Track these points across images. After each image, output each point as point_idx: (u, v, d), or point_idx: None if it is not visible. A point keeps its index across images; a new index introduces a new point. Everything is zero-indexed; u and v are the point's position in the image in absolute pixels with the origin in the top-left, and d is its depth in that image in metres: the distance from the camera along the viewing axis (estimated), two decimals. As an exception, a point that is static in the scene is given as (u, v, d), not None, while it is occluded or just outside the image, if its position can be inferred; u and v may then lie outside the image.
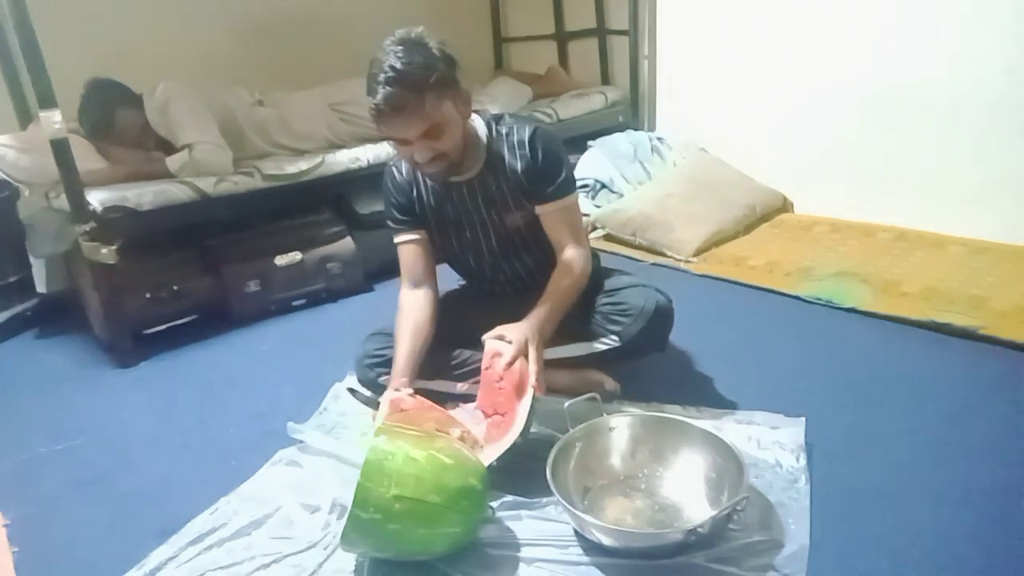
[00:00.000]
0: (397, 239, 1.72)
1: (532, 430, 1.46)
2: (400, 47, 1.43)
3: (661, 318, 1.62)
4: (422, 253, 1.70)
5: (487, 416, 1.48)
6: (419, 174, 1.66)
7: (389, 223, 1.72)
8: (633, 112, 3.41)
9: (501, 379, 1.45)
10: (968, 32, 2.35)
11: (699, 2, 3.08)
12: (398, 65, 1.40)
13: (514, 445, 1.41)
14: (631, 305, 1.61)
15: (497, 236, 1.70)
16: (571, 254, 1.64)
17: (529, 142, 1.60)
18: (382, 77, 1.40)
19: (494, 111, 1.72)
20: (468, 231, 1.70)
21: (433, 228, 1.71)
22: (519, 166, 1.61)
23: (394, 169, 1.70)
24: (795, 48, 2.81)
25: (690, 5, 3.12)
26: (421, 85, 1.41)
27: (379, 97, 1.41)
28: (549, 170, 1.62)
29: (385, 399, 1.48)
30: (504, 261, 1.75)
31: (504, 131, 1.63)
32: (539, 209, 1.64)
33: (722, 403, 1.66)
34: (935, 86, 2.46)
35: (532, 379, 1.44)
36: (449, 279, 1.95)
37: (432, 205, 1.68)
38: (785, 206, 3.00)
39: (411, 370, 1.58)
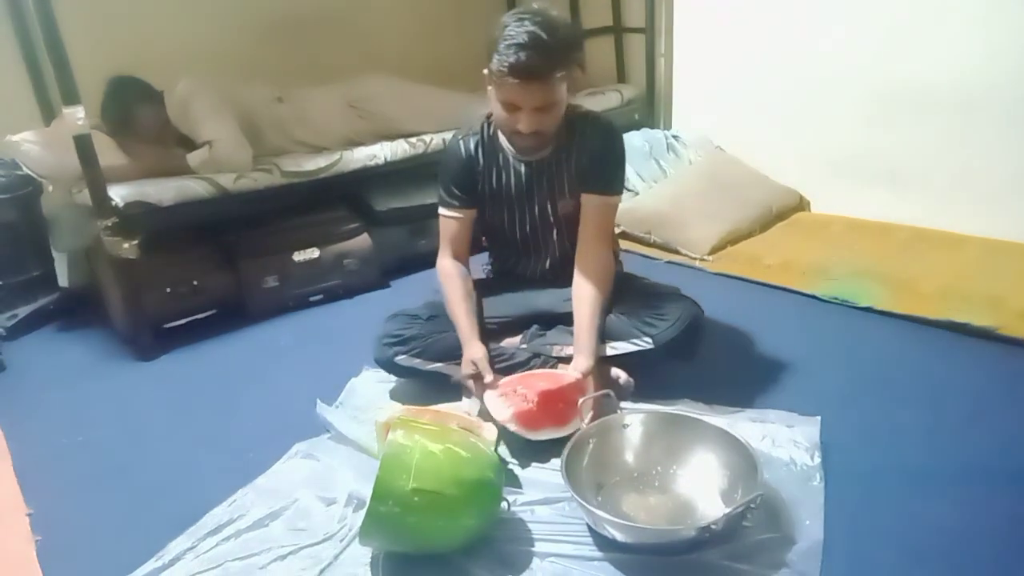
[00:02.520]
0: (446, 212, 1.76)
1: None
2: (541, 18, 1.46)
3: (696, 328, 1.67)
4: (465, 229, 1.76)
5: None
6: (486, 150, 1.71)
7: (442, 194, 1.76)
8: (649, 110, 3.39)
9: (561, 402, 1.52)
10: (985, 30, 2.33)
11: (715, 0, 3.07)
12: (544, 35, 1.43)
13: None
14: (669, 311, 1.65)
15: (545, 220, 1.75)
16: (599, 254, 1.68)
17: (603, 133, 1.67)
18: (522, 40, 1.43)
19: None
20: (526, 210, 1.74)
21: (487, 203, 1.75)
22: (586, 153, 1.66)
23: (460, 142, 1.73)
24: (812, 46, 2.79)
25: (706, 3, 3.11)
26: (558, 60, 1.46)
27: (514, 59, 1.43)
28: (608, 164, 1.69)
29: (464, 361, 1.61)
30: (544, 247, 1.80)
31: (579, 119, 1.68)
32: (584, 198, 1.69)
33: (737, 401, 1.66)
34: (952, 84, 2.44)
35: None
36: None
37: (493, 181, 1.73)
38: (801, 205, 2.98)
39: (478, 332, 1.66)
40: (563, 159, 1.68)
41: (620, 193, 1.73)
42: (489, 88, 1.55)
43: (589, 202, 1.69)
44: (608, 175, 1.69)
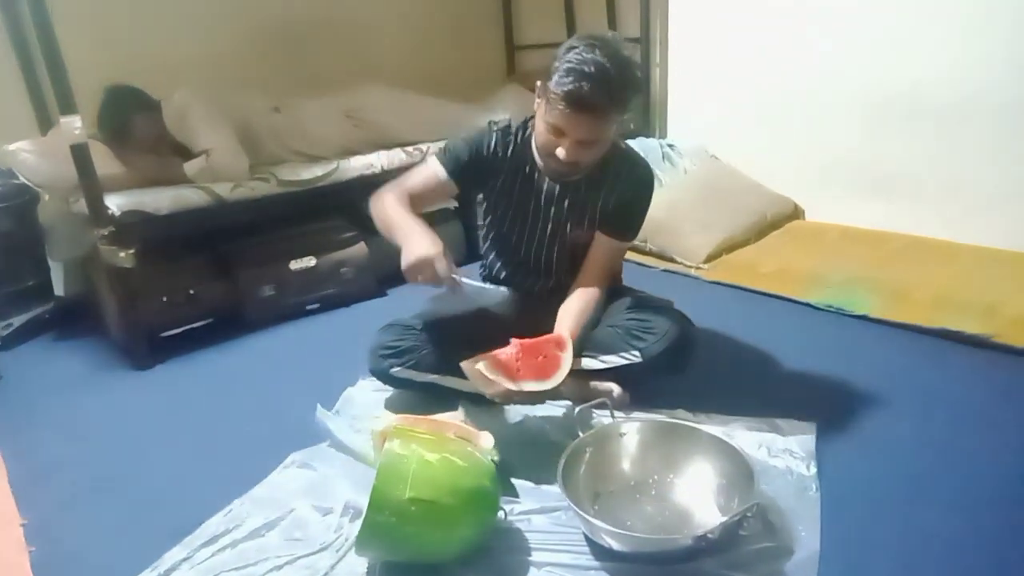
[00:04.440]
0: (436, 166, 1.66)
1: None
2: (612, 51, 1.40)
3: (685, 343, 1.66)
4: (435, 191, 1.67)
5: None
6: (515, 154, 1.67)
7: (446, 153, 1.66)
8: (644, 119, 3.41)
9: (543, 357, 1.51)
10: (977, 38, 2.35)
11: (710, 10, 3.09)
12: (611, 69, 1.38)
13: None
14: (658, 325, 1.64)
15: (555, 242, 1.74)
16: (595, 288, 1.69)
17: (638, 182, 1.66)
18: (588, 70, 1.37)
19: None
20: (539, 225, 1.73)
21: (500, 207, 1.74)
22: (615, 193, 1.65)
23: (493, 135, 1.66)
24: (806, 55, 2.81)
25: (701, 13, 3.13)
26: (614, 100, 1.42)
27: (574, 86, 1.38)
28: (633, 211, 1.69)
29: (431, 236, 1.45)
30: (546, 270, 1.79)
31: (618, 155, 1.66)
32: (598, 236, 1.70)
33: (733, 409, 1.66)
34: (945, 93, 2.46)
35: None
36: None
37: (514, 187, 1.70)
38: (796, 213, 3.00)
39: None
40: (592, 189, 1.66)
41: (634, 239, 1.74)
42: (538, 101, 1.52)
43: (602, 241, 1.70)
44: (629, 224, 1.70)
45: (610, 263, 1.73)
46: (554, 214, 1.70)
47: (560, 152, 1.48)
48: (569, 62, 1.40)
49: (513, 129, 1.67)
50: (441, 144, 2.71)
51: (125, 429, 1.87)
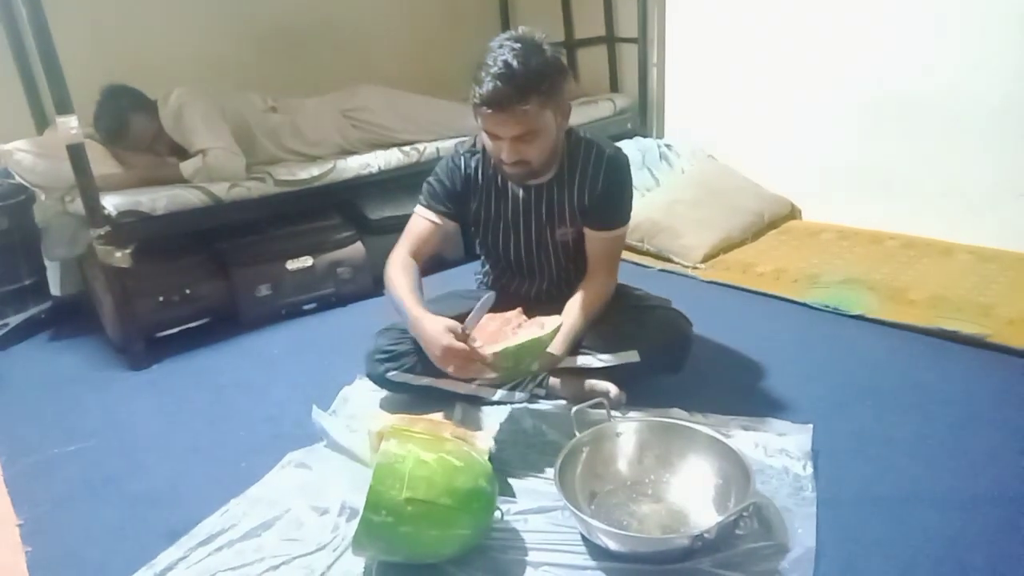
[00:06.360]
0: (424, 212, 1.71)
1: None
2: (519, 44, 1.44)
3: (682, 342, 1.67)
4: (434, 235, 1.71)
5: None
6: (487, 170, 1.68)
7: (427, 195, 1.71)
8: (641, 119, 3.41)
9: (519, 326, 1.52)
10: (974, 39, 2.36)
11: (707, 10, 3.09)
12: (514, 63, 1.41)
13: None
14: (657, 325, 1.65)
15: (542, 245, 1.74)
16: (600, 280, 1.69)
17: (607, 169, 1.64)
18: (494, 70, 1.41)
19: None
20: (523, 232, 1.73)
21: (483, 224, 1.74)
22: (588, 187, 1.64)
23: (461, 158, 1.70)
24: (803, 56, 2.82)
25: (698, 13, 3.14)
26: (529, 90, 1.42)
27: (485, 89, 1.41)
28: (612, 201, 1.67)
29: (434, 329, 1.46)
30: (540, 271, 1.79)
31: (583, 147, 1.65)
32: (588, 232, 1.69)
33: (729, 409, 1.66)
34: (942, 93, 2.46)
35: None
36: (453, 281, 1.97)
37: (491, 201, 1.71)
38: (793, 213, 3.00)
39: (421, 298, 1.60)
40: (564, 187, 1.66)
41: (627, 222, 1.72)
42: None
43: (593, 236, 1.69)
44: (614, 211, 1.68)
45: (610, 253, 1.72)
46: (535, 220, 1.71)
47: (503, 155, 1.50)
48: (483, 67, 1.43)
49: (479, 145, 1.68)
50: (439, 144, 2.76)
51: (121, 429, 1.86)
